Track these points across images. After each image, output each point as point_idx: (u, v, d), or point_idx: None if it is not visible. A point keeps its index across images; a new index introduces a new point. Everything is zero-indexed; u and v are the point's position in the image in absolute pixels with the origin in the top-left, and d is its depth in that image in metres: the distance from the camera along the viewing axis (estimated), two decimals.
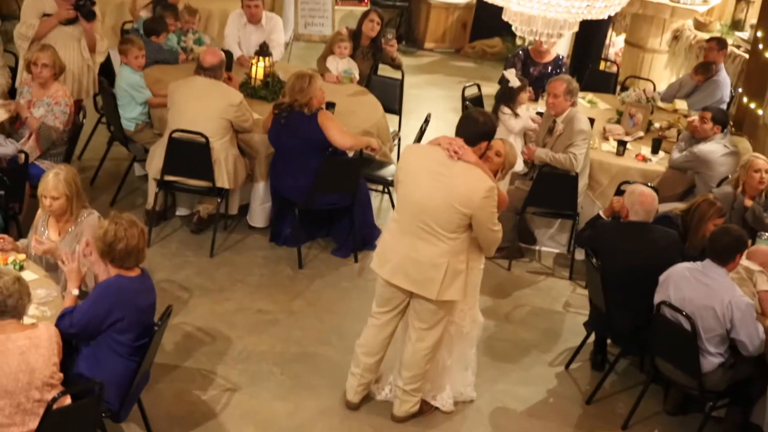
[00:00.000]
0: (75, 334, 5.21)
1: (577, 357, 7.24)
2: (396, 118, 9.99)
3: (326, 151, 7.85)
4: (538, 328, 7.72)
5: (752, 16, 11.74)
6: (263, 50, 8.98)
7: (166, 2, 9.87)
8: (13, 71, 9.18)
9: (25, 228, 6.97)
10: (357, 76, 9.76)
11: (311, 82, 7.73)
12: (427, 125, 8.87)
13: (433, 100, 12.25)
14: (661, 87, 10.93)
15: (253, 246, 8.34)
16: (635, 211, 6.76)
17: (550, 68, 10.15)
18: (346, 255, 8.32)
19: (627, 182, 7.81)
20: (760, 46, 9.52)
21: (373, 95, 9.46)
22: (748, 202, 7.50)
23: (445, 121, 10.73)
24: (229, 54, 9.34)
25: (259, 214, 8.54)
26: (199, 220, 8.42)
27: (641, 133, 9.19)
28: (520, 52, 10.35)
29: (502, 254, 8.55)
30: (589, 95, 10.12)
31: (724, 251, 6.16)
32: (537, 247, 8.90)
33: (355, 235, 8.23)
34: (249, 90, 8.80)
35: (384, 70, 10.36)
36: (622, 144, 8.76)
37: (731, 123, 8.87)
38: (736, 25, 12.15)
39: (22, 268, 5.76)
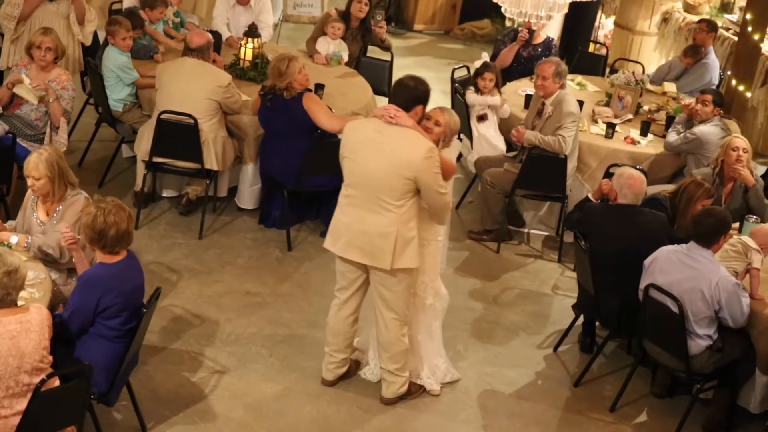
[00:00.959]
0: (67, 330, 5.17)
1: (566, 339, 7.27)
2: (385, 99, 9.90)
3: (314, 133, 7.83)
4: (527, 310, 7.73)
5: None
6: (252, 31, 8.93)
7: None
8: None
9: (13, 209, 6.95)
10: (346, 58, 9.74)
11: (289, 66, 7.67)
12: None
13: None
14: (651, 69, 10.92)
15: (242, 228, 8.33)
16: (624, 194, 6.77)
17: (540, 50, 10.14)
18: None
19: (616, 165, 7.81)
20: (749, 29, 9.51)
21: (362, 77, 9.44)
22: (727, 188, 7.54)
23: (434, 103, 10.57)
24: (217, 35, 9.29)
25: (248, 196, 8.52)
26: (188, 201, 8.39)
27: (630, 116, 9.19)
28: (511, 32, 10.35)
29: (491, 237, 8.57)
30: (579, 77, 10.10)
31: (708, 233, 6.18)
32: (526, 230, 8.91)
33: None
34: (238, 71, 8.77)
35: (373, 52, 10.33)
36: (611, 126, 8.76)
37: None
38: (725, 7, 12.16)
39: (10, 247, 5.73)
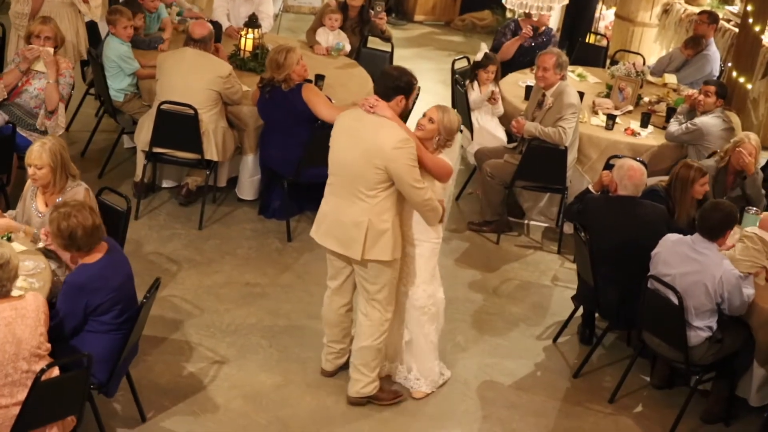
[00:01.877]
0: (60, 333, 5.15)
1: (565, 331, 7.27)
2: None
3: (314, 124, 7.82)
4: (526, 301, 7.74)
5: None
6: (252, 22, 8.92)
7: None
8: (1, 41, 9.11)
9: (13, 199, 6.95)
10: (348, 49, 9.73)
11: (287, 57, 7.64)
12: (416, 98, 8.83)
13: (422, 73, 12.11)
14: (651, 61, 10.92)
15: (241, 219, 8.33)
16: (624, 186, 6.77)
17: (540, 40, 10.13)
18: None
19: (616, 156, 7.81)
20: (750, 21, 9.49)
21: (362, 68, 9.42)
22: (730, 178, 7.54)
23: (435, 94, 10.70)
24: (217, 25, 9.28)
25: (248, 187, 8.52)
26: (188, 192, 8.39)
27: (630, 107, 9.18)
28: (512, 23, 10.34)
29: (491, 228, 8.57)
30: (579, 69, 10.09)
31: (715, 227, 6.17)
32: (525, 221, 8.91)
33: None
34: (238, 62, 8.76)
35: (373, 43, 10.32)
36: (611, 118, 8.75)
37: None
38: None
39: (10, 239, 5.74)
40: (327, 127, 7.81)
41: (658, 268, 6.29)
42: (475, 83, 8.98)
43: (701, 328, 6.19)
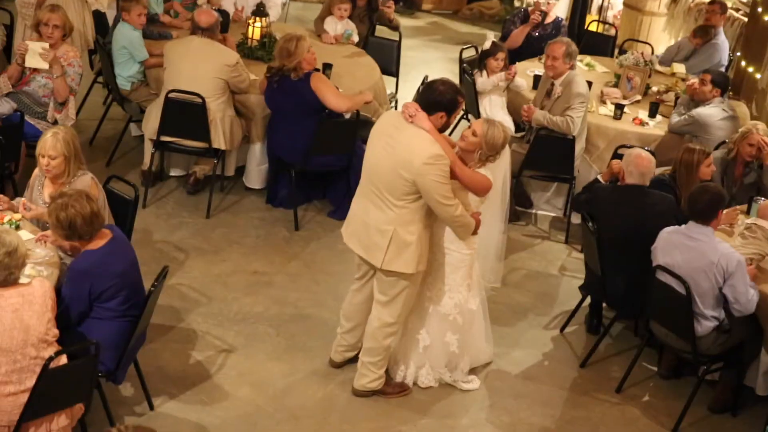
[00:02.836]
0: (66, 321, 5.16)
1: (572, 320, 7.27)
2: (393, 80, 9.94)
3: (322, 113, 7.82)
4: (534, 291, 7.73)
5: None
6: (260, 10, 8.91)
7: None
8: (8, 29, 9.11)
9: (21, 187, 6.95)
10: (356, 38, 9.71)
11: (298, 45, 7.63)
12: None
13: (430, 62, 12.18)
14: (660, 50, 10.88)
15: (249, 207, 8.33)
16: (629, 172, 6.73)
17: (549, 30, 10.11)
18: (342, 217, 8.18)
19: (624, 146, 7.79)
20: (759, 10, 9.47)
21: (370, 57, 9.41)
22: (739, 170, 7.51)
23: None
24: (225, 14, 9.27)
25: (255, 176, 8.52)
26: (195, 181, 8.40)
27: (639, 97, 9.16)
28: (521, 12, 10.32)
29: None
30: (587, 58, 10.07)
31: (705, 209, 6.15)
32: (533, 211, 8.90)
33: (352, 197, 8.19)
34: (246, 50, 8.75)
35: (381, 32, 10.30)
36: (619, 107, 8.73)
37: (729, 87, 8.84)
38: None
39: (18, 227, 5.75)
40: (335, 115, 7.86)
41: (657, 260, 6.28)
42: (484, 72, 8.95)
43: (708, 317, 6.17)
